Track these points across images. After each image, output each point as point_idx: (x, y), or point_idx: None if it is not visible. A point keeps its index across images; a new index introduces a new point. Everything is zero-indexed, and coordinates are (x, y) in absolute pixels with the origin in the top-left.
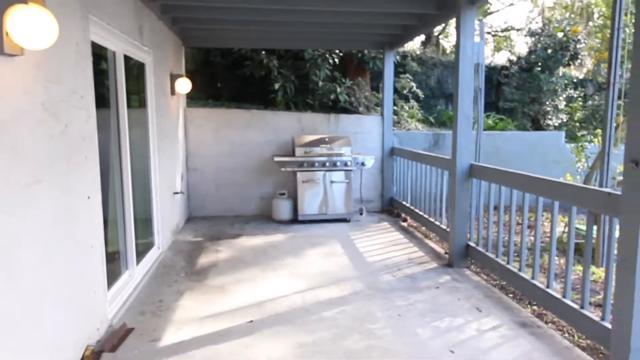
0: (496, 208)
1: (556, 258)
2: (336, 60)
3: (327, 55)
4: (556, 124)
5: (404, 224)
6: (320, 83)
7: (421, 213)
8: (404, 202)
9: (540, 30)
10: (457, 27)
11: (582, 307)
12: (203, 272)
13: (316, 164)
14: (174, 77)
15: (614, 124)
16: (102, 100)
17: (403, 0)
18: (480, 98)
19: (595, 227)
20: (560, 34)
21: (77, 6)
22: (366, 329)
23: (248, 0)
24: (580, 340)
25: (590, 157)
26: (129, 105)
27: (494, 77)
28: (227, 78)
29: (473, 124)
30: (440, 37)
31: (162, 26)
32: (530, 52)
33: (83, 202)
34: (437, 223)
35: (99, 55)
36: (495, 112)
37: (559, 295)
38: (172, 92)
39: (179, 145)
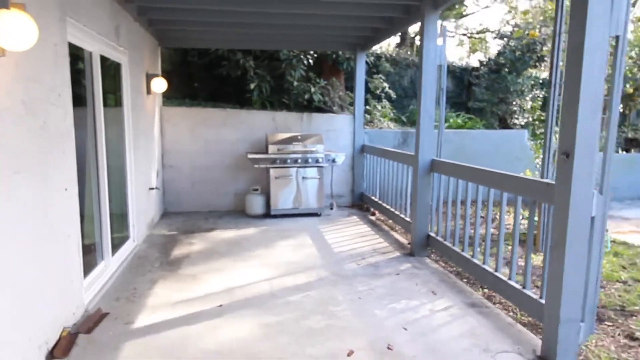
0: (461, 202)
1: (509, 246)
2: (311, 61)
3: (302, 56)
4: (522, 123)
5: (372, 217)
6: (295, 83)
7: (388, 207)
8: (373, 197)
9: (509, 33)
10: (421, 31)
11: (524, 288)
12: (176, 262)
13: (288, 161)
14: (150, 77)
15: (554, 121)
16: (80, 98)
17: (372, 5)
18: (443, 98)
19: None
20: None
21: (56, 9)
22: (328, 311)
23: (223, 2)
24: (522, 318)
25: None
26: (105, 104)
27: (466, 78)
28: (203, 78)
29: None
30: (417, 38)
31: (138, 27)
32: (499, 54)
33: (60, 194)
34: (402, 216)
35: (76, 55)
36: (466, 111)
37: (505, 278)
38: (148, 91)
39: (155, 142)
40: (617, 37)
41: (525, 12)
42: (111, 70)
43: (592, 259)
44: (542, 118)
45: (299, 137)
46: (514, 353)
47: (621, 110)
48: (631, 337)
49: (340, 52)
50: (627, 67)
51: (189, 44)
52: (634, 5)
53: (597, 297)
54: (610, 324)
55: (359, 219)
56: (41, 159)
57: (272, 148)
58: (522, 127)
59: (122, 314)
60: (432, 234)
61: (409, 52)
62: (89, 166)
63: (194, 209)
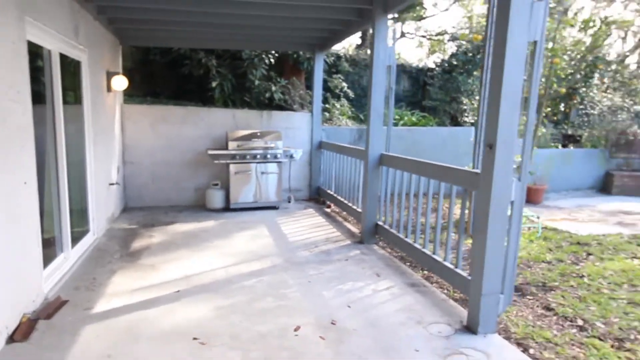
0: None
1: (446, 232)
2: (272, 60)
3: (264, 56)
4: (472, 121)
5: (328, 210)
6: (257, 82)
7: (342, 199)
8: (329, 191)
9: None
10: (372, 33)
11: (456, 267)
12: (136, 254)
13: (248, 157)
14: (110, 75)
15: (484, 117)
16: (39, 96)
17: (328, 8)
18: (391, 96)
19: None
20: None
21: (14, 9)
22: (279, 293)
23: (182, 3)
24: (455, 294)
25: None
26: (65, 101)
27: (421, 78)
28: (166, 76)
29: (398, 121)
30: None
31: (98, 26)
32: (452, 56)
33: (20, 187)
34: (354, 207)
35: (36, 53)
36: (420, 110)
37: (441, 260)
38: (109, 89)
39: (116, 139)
40: (535, 42)
41: (470, 17)
42: (71, 68)
43: (511, 239)
44: None
45: (259, 134)
46: (444, 324)
47: (562, 109)
48: (547, 308)
49: (300, 52)
50: (560, 69)
51: (150, 42)
52: (565, 13)
53: (515, 272)
54: (532, 297)
55: (315, 211)
56: (1, 153)
57: (232, 144)
58: (472, 124)
59: (82, 301)
60: (380, 223)
61: (368, 53)
62: (49, 161)
63: (154, 204)
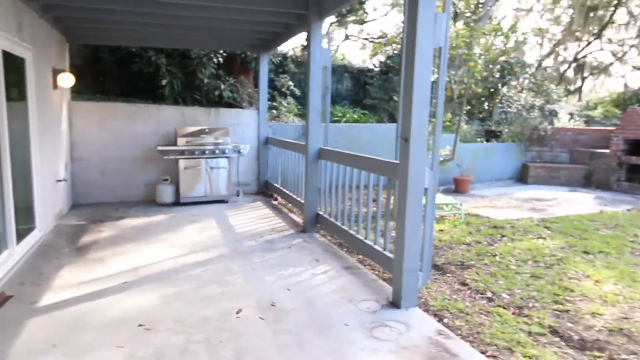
0: (345, 186)
1: (377, 219)
2: (221, 59)
3: (212, 55)
4: None
5: (275, 202)
6: (206, 80)
7: (287, 192)
8: (276, 184)
9: (397, 39)
10: (308, 37)
11: (384, 250)
12: (84, 248)
13: (197, 152)
14: (56, 72)
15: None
16: None
17: (270, 12)
18: (328, 95)
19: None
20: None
21: None
22: (224, 280)
23: (128, 3)
24: (384, 275)
25: None
26: (9, 98)
27: (362, 79)
28: (115, 74)
29: (340, 117)
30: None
31: (43, 24)
32: (388, 57)
33: None
34: (299, 199)
35: None
36: (361, 108)
37: (372, 244)
38: (55, 86)
39: (63, 136)
40: (440, 48)
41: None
42: (16, 65)
43: (426, 222)
44: None
45: (207, 130)
46: (372, 301)
47: (487, 108)
48: (463, 283)
49: (248, 52)
50: (477, 72)
51: (98, 41)
52: (454, 19)
53: (431, 251)
54: (451, 275)
55: (263, 204)
56: None
57: (181, 140)
58: None
59: (27, 296)
60: (321, 213)
61: None
62: None
63: (104, 200)
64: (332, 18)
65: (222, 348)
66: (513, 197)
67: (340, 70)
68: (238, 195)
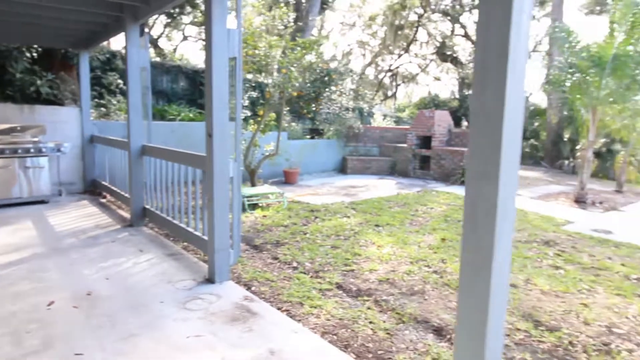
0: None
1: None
2: (35, 54)
3: (24, 49)
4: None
5: (104, 200)
6: (19, 75)
7: (115, 189)
8: (104, 182)
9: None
10: (126, 38)
11: (203, 235)
12: None
13: (7, 151)
14: None
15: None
16: None
17: (87, 12)
18: (148, 94)
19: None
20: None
21: None
22: (36, 277)
23: None
24: (205, 257)
25: (246, 140)
26: None
27: (197, 79)
28: None
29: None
30: (160, 39)
31: None
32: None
33: None
34: (126, 195)
35: None
36: (197, 107)
37: (192, 230)
38: None
39: None
40: (234, 58)
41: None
42: None
43: (234, 205)
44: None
45: (19, 128)
46: (190, 280)
47: (314, 109)
48: (275, 258)
49: (70, 48)
50: (294, 78)
51: None
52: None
53: (240, 231)
54: (266, 252)
55: (89, 203)
56: None
57: None
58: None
59: None
60: (148, 206)
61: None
62: None
63: None
64: (165, 19)
65: (29, 338)
66: (333, 185)
67: (175, 70)
68: (60, 195)
